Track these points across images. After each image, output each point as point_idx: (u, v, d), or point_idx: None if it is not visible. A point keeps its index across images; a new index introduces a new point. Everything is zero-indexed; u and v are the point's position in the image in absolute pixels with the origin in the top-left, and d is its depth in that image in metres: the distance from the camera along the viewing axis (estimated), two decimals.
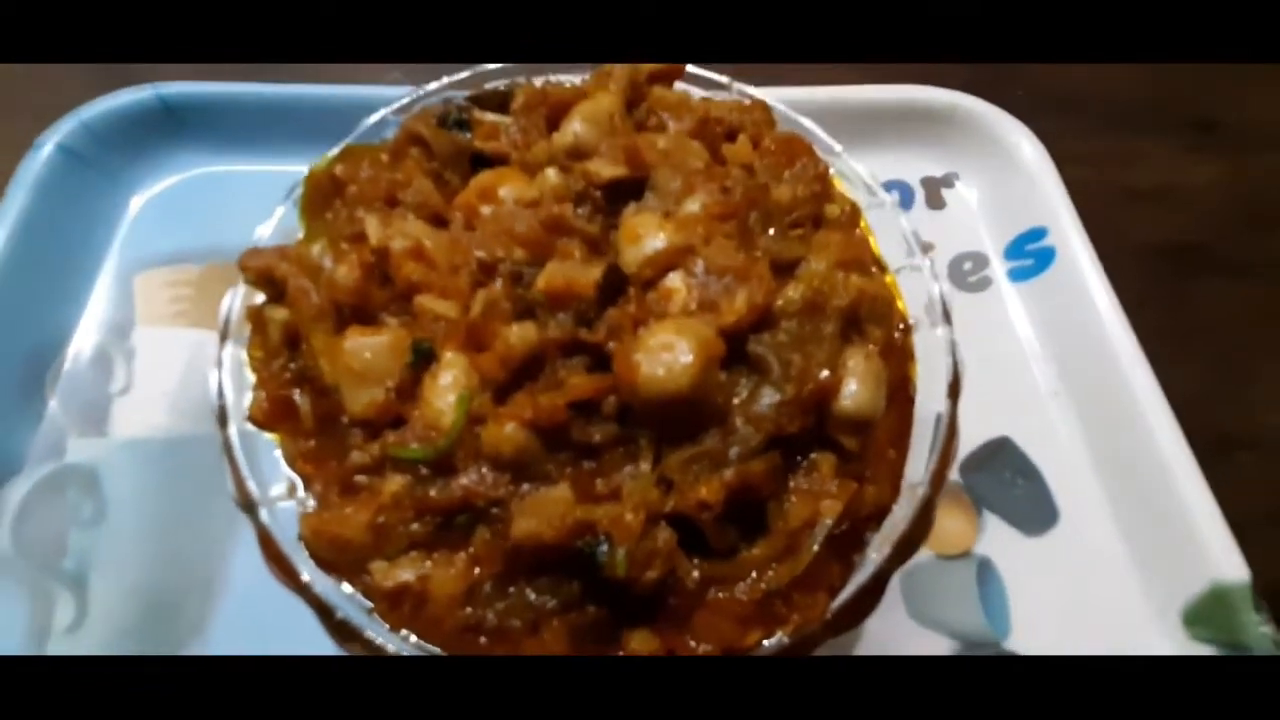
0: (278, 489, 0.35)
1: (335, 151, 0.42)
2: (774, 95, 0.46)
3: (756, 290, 0.32)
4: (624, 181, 0.36)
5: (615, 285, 0.33)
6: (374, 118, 0.44)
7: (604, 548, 0.29)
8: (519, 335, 0.31)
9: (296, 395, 0.35)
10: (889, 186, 0.69)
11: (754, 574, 0.32)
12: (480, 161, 0.40)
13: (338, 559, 0.32)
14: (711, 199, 0.35)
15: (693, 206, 0.35)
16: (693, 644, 0.31)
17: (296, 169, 0.41)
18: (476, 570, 0.31)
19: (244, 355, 0.38)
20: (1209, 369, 0.62)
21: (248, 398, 0.37)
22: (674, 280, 0.33)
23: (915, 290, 0.43)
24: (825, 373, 0.32)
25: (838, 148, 0.47)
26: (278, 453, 0.35)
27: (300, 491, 0.35)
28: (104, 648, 0.46)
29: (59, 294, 0.57)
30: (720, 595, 0.32)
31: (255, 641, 0.45)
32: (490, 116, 0.40)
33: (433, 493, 0.31)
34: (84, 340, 0.57)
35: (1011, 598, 0.52)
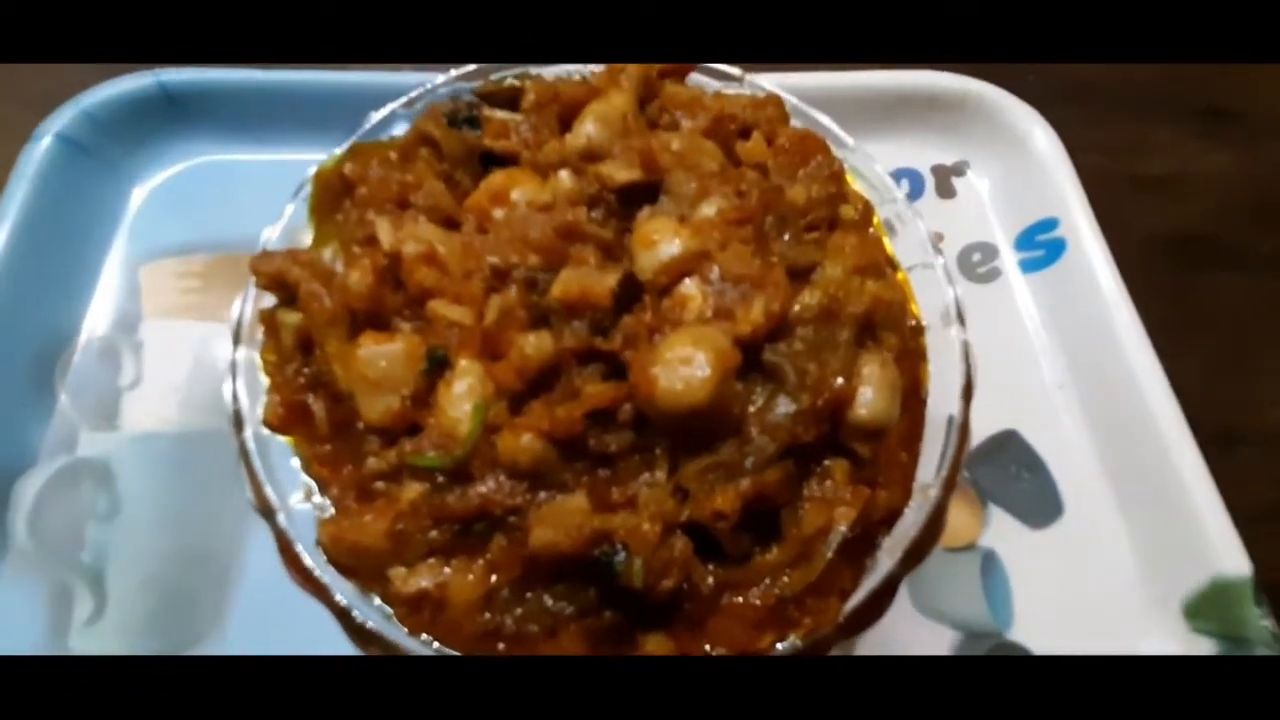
0: (294, 493, 0.35)
1: (343, 150, 0.41)
2: (786, 84, 0.46)
3: (773, 298, 0.32)
4: (638, 185, 0.35)
5: (630, 293, 0.33)
6: (380, 113, 0.44)
7: (621, 557, 0.30)
8: (535, 346, 0.31)
9: (311, 400, 0.35)
10: (900, 175, 0.69)
11: (768, 580, 0.32)
12: (490, 159, 0.40)
13: (356, 565, 0.33)
14: (727, 203, 0.34)
15: (708, 211, 0.34)
16: (707, 648, 0.32)
17: (301, 157, 0.41)
18: (494, 577, 0.31)
19: (257, 358, 0.38)
20: (1215, 361, 0.62)
21: (261, 401, 0.37)
22: (689, 287, 0.33)
23: (927, 287, 0.42)
24: (840, 381, 0.32)
25: (850, 142, 0.46)
26: (294, 460, 0.35)
27: (316, 495, 0.35)
28: (123, 639, 0.47)
29: (65, 287, 0.57)
30: (734, 600, 0.32)
31: (273, 632, 0.46)
32: (500, 114, 0.40)
33: (450, 501, 0.31)
34: (92, 333, 0.57)
35: (1015, 589, 0.53)
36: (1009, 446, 0.57)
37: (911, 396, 0.38)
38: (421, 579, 0.31)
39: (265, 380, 0.37)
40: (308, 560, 0.33)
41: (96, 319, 0.57)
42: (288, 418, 0.35)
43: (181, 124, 0.62)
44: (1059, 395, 0.59)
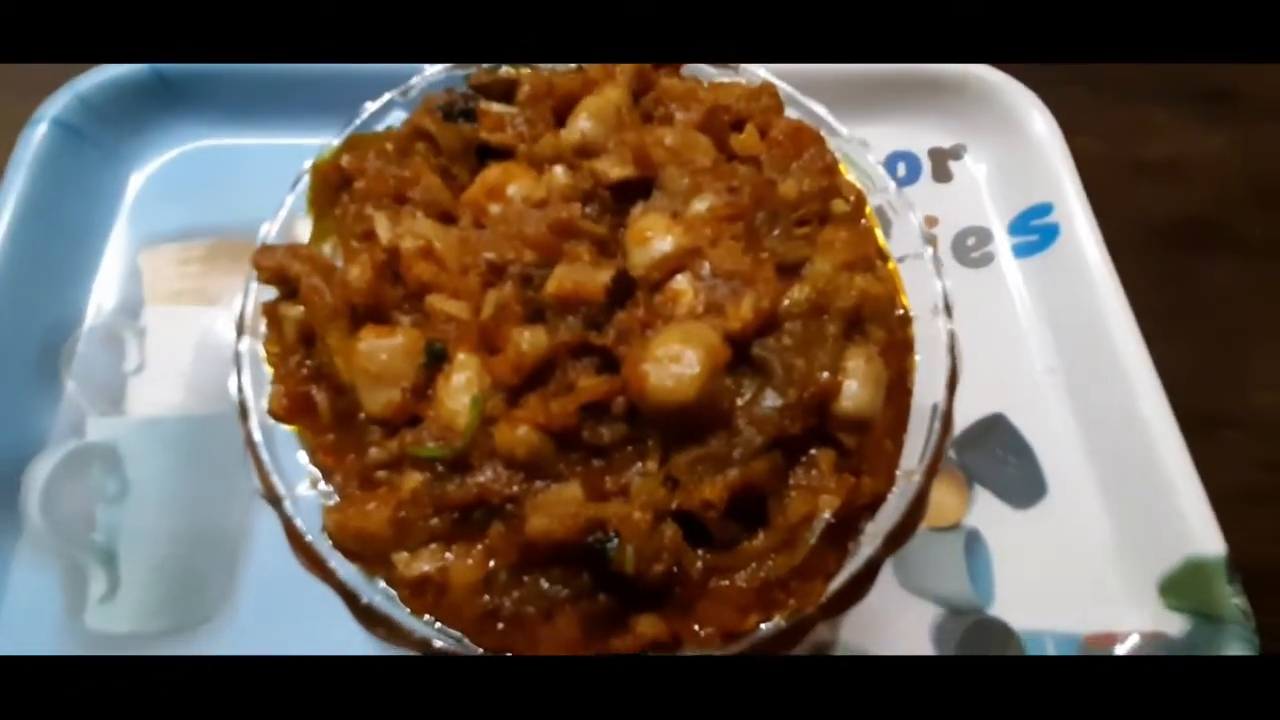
0: (300, 481, 0.36)
1: (339, 141, 0.42)
2: (783, 68, 0.46)
3: (762, 295, 0.33)
4: (632, 181, 0.36)
5: (624, 288, 0.34)
6: (376, 104, 0.44)
7: (613, 543, 0.31)
8: (530, 341, 0.32)
9: (314, 391, 0.36)
10: (897, 158, 0.69)
11: (754, 564, 0.34)
12: (486, 150, 0.40)
13: (361, 550, 0.34)
14: (719, 199, 0.35)
15: (700, 207, 0.35)
16: (696, 628, 0.33)
17: (298, 141, 0.41)
18: (492, 562, 0.33)
19: (260, 350, 0.39)
20: (1206, 345, 0.63)
21: (266, 391, 0.38)
22: (681, 282, 0.34)
23: (917, 277, 0.43)
24: (826, 374, 0.33)
25: (844, 131, 0.47)
26: (298, 450, 0.37)
27: (321, 483, 0.36)
28: (136, 617, 0.49)
29: (67, 273, 0.58)
30: (722, 584, 0.33)
31: (282, 611, 0.48)
32: (496, 106, 0.40)
33: (450, 489, 0.33)
34: (95, 320, 0.57)
35: (996, 567, 0.54)
36: (996, 430, 0.59)
37: (897, 387, 0.39)
38: (424, 563, 0.33)
39: (269, 371, 0.38)
40: (315, 546, 0.35)
41: (99, 305, 0.58)
42: (292, 408, 0.37)
43: (177, 108, 0.62)
44: (1048, 379, 0.60)
